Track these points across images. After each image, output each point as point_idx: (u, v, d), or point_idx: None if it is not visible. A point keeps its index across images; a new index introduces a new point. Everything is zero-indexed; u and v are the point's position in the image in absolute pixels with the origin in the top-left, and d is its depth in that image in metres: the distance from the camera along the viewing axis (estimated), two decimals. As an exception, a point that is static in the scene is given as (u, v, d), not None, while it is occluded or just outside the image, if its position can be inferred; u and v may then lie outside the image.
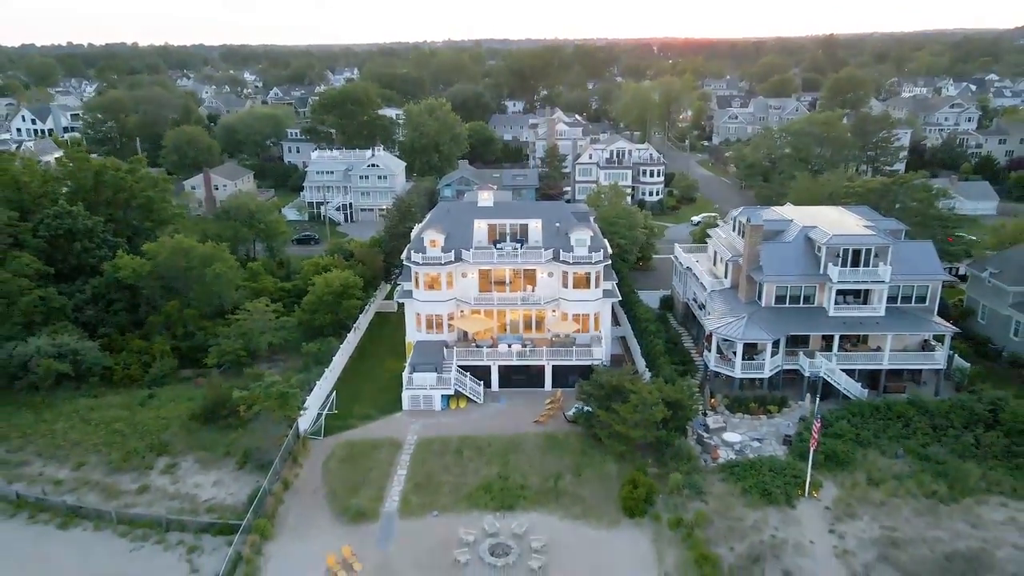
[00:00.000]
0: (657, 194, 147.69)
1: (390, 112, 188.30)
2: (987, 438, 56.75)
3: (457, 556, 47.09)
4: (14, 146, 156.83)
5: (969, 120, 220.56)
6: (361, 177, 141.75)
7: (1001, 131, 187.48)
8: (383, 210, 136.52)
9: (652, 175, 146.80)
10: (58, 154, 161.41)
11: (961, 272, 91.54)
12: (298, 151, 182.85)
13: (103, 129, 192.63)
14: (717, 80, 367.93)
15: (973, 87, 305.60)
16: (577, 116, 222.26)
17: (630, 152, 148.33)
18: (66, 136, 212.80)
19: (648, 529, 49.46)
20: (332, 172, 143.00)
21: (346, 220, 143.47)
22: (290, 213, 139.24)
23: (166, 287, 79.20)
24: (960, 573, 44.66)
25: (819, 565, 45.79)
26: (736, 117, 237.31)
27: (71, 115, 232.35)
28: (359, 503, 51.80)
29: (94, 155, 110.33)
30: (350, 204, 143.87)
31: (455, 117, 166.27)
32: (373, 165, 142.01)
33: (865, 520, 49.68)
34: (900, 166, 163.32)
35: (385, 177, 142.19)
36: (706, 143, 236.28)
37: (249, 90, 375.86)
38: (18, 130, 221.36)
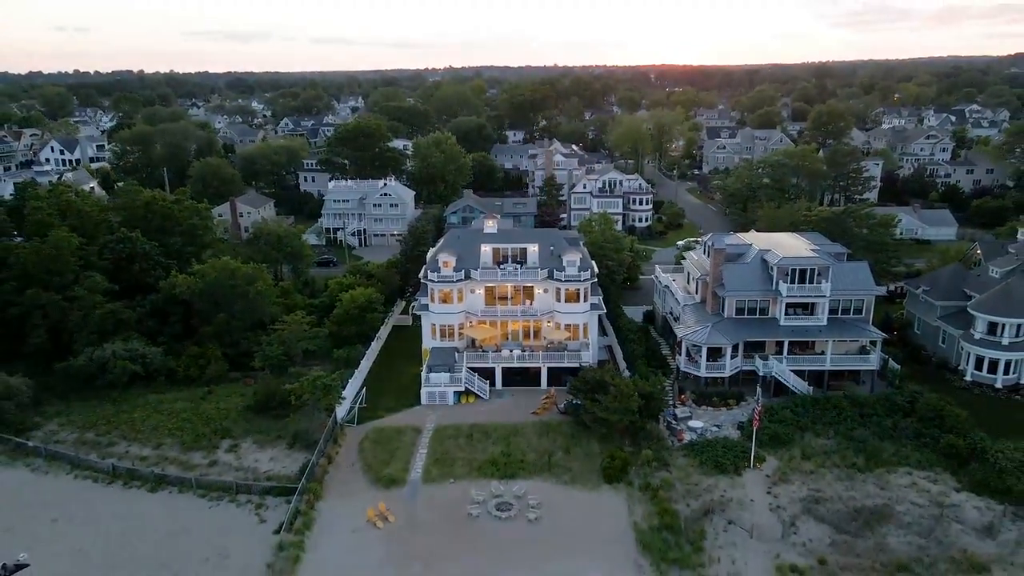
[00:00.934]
0: (646, 220, 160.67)
1: (398, 143, 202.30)
2: (903, 423, 69.30)
3: (470, 511, 59.36)
4: (55, 177, 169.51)
5: (943, 150, 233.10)
6: (374, 205, 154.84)
7: (969, 162, 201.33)
8: (395, 235, 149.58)
9: (641, 203, 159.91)
10: (92, 184, 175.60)
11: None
12: (313, 180, 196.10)
13: (130, 160, 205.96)
14: (709, 110, 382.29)
15: (953, 118, 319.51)
16: (574, 147, 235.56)
17: (621, 182, 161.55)
18: (94, 166, 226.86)
19: (622, 492, 61.75)
20: (348, 200, 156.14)
21: (360, 244, 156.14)
22: (310, 238, 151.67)
23: (214, 302, 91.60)
24: (864, 520, 56.90)
25: (756, 516, 58.02)
26: (724, 147, 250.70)
27: (96, 145, 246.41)
28: (390, 472, 64.26)
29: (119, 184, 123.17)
30: (364, 230, 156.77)
31: (459, 149, 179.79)
32: (385, 194, 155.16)
33: (796, 484, 62.02)
34: (871, 195, 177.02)
35: (396, 205, 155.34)
36: (696, 172, 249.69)
37: (259, 119, 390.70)
38: (47, 160, 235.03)
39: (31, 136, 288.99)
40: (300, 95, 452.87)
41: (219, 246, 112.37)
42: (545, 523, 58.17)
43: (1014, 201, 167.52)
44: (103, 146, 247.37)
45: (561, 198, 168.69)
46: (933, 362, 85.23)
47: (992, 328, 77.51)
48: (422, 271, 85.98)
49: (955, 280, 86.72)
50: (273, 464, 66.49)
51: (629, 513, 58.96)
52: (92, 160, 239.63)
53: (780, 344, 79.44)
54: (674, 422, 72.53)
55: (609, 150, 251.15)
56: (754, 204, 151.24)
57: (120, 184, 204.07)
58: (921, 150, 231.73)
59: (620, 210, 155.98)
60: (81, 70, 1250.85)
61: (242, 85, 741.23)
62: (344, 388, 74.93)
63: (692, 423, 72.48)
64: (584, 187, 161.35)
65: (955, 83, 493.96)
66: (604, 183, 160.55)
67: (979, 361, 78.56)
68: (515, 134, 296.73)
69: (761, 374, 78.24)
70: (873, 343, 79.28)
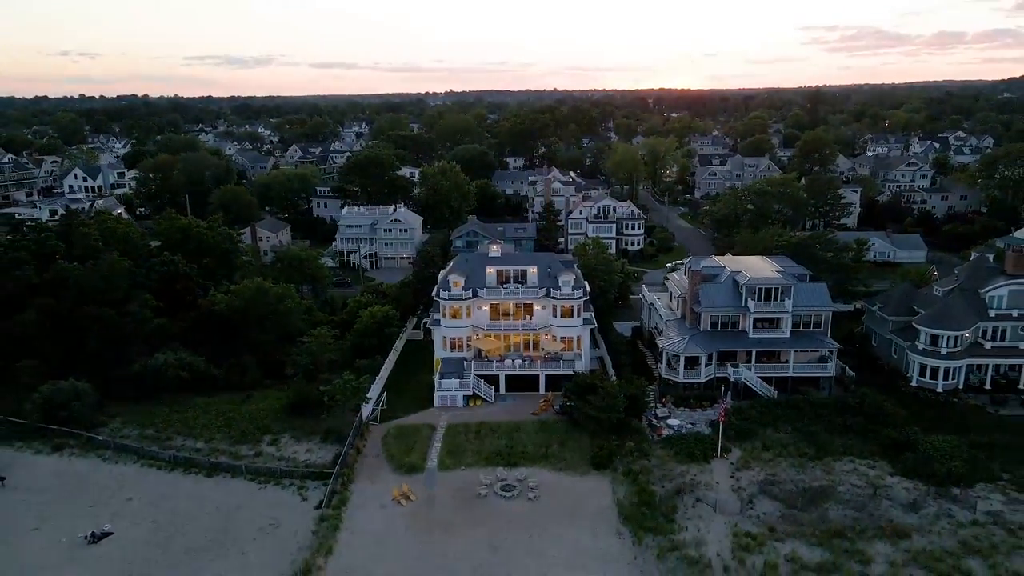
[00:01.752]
0: (638, 244, 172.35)
1: (406, 171, 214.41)
2: (851, 420, 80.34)
3: (479, 491, 70.31)
4: (88, 204, 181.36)
5: (923, 177, 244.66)
6: (385, 230, 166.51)
7: (944, 189, 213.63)
8: (404, 258, 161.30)
9: (633, 228, 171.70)
10: (120, 210, 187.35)
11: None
12: (325, 206, 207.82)
13: (152, 187, 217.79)
14: (703, 136, 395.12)
15: (937, 144, 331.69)
16: (572, 174, 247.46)
17: (614, 208, 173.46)
18: (115, 192, 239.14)
19: (608, 476, 72.69)
20: (360, 226, 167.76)
21: (371, 267, 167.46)
22: (325, 261, 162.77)
23: (249, 317, 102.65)
24: (810, 498, 67.86)
25: (720, 495, 68.92)
26: (715, 174, 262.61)
27: (117, 173, 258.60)
28: (410, 461, 75.33)
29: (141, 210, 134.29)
30: (375, 253, 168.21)
31: (464, 177, 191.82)
32: (395, 220, 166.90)
33: (755, 470, 73.00)
34: (850, 220, 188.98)
35: (406, 230, 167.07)
36: (688, 197, 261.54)
37: (268, 145, 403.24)
38: (71, 187, 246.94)
39: (52, 163, 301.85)
40: (307, 122, 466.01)
41: (248, 268, 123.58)
42: (542, 501, 69.10)
43: (982, 226, 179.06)
44: (123, 173, 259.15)
45: (559, 223, 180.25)
46: (887, 370, 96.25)
47: (934, 340, 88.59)
48: (435, 290, 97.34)
49: (905, 298, 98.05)
50: (309, 455, 77.55)
51: (613, 493, 69.91)
52: (112, 187, 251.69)
53: (749, 354, 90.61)
54: (655, 420, 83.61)
55: (606, 176, 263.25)
56: (739, 229, 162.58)
57: (141, 210, 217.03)
58: (902, 177, 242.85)
59: (613, 235, 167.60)
60: (87, 95, 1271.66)
61: (247, 111, 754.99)
62: (367, 392, 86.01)
63: (670, 421, 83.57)
64: (580, 213, 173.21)
65: (944, 109, 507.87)
66: (599, 209, 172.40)
67: (923, 368, 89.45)
68: (515, 160, 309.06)
69: (732, 380, 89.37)
70: (831, 353, 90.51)
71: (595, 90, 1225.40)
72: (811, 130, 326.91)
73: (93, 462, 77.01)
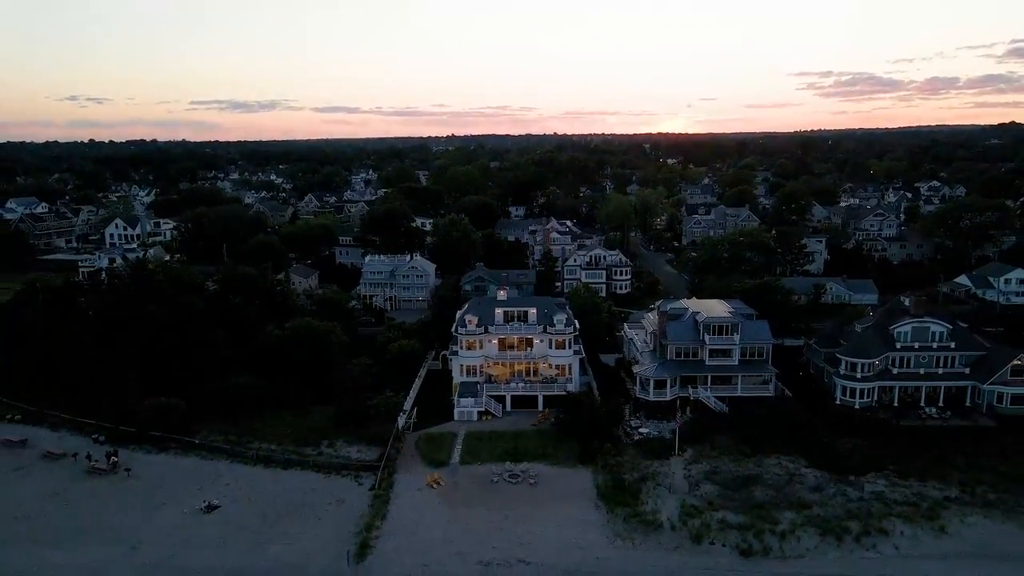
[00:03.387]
0: (626, 288, 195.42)
1: (417, 220, 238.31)
2: (780, 428, 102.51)
3: (492, 479, 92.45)
4: (141, 253, 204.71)
5: (889, 227, 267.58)
6: (403, 276, 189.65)
7: (902, 238, 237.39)
8: (420, 300, 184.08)
9: (621, 274, 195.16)
10: (166, 257, 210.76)
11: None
12: (347, 254, 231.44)
13: (188, 236, 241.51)
14: (693, 185, 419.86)
15: (909, 195, 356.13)
16: (569, 222, 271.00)
17: (605, 257, 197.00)
18: (152, 240, 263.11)
19: (591, 469, 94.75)
20: (382, 272, 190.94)
21: (391, 308, 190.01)
22: (353, 304, 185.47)
23: (299, 349, 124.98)
24: (741, 483, 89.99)
25: (675, 481, 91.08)
26: (700, 223, 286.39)
27: (153, 223, 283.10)
28: (438, 458, 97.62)
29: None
30: (394, 296, 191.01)
31: (471, 227, 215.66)
32: (412, 267, 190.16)
33: (703, 463, 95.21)
34: (815, 266, 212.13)
35: (421, 276, 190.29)
36: (675, 244, 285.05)
37: (283, 193, 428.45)
38: (112, 235, 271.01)
39: (88, 211, 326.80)
40: (319, 171, 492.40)
41: (299, 309, 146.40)
42: (540, 486, 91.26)
43: (933, 272, 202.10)
44: (159, 223, 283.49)
45: (556, 269, 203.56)
46: (819, 392, 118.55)
47: (852, 367, 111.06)
48: (453, 327, 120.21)
49: (834, 333, 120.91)
50: (360, 454, 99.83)
51: (594, 480, 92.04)
52: (149, 235, 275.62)
53: (706, 377, 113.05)
54: (629, 429, 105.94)
55: (601, 224, 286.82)
56: (714, 275, 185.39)
57: (178, 256, 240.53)
58: (871, 226, 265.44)
59: (604, 280, 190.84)
60: (95, 139, 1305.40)
61: (257, 157, 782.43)
62: (403, 406, 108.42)
63: (641, 430, 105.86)
64: (575, 261, 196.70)
65: (924, 158, 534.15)
66: (591, 258, 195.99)
67: (844, 389, 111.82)
68: (517, 209, 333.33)
69: (692, 398, 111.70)
70: (772, 377, 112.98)
71: (594, 134, 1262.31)
72: (795, 179, 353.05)
73: (193, 460, 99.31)
